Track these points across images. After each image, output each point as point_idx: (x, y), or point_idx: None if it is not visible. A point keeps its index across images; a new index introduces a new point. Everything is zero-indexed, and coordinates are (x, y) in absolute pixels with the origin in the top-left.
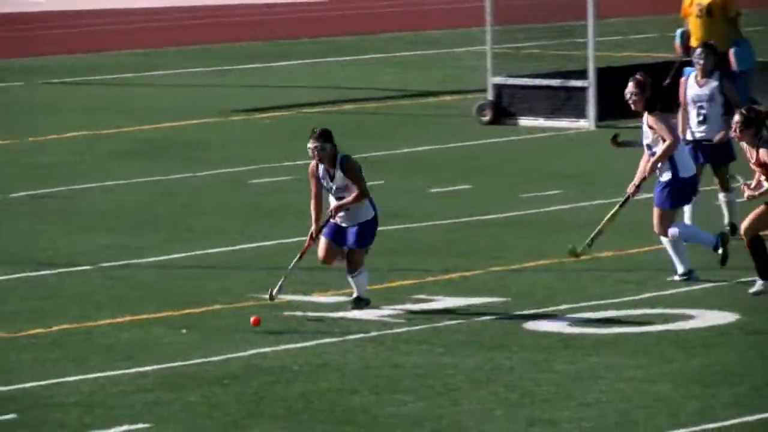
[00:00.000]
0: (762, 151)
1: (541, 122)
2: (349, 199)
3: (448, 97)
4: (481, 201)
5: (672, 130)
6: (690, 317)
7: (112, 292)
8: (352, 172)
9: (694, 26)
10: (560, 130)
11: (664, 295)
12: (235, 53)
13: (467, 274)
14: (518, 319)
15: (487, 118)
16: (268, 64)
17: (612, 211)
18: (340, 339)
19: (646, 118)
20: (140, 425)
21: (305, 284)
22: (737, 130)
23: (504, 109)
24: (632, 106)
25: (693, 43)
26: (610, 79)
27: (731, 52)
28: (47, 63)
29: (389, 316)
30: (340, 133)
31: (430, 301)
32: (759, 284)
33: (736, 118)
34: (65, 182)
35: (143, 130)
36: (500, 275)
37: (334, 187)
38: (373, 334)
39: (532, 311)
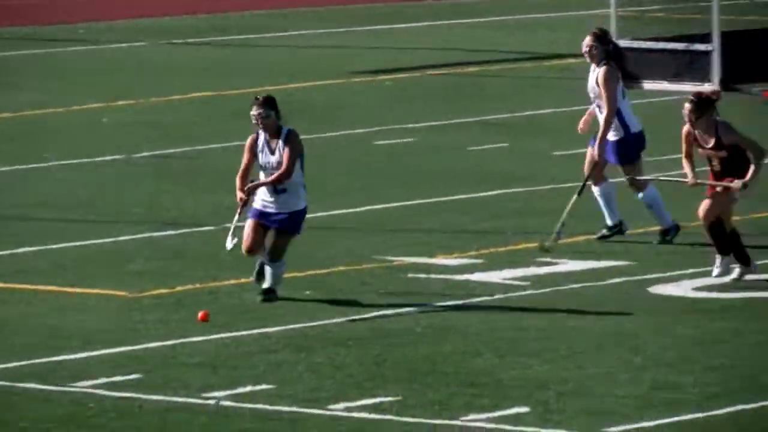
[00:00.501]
0: (722, 132)
1: (665, 86)
2: (274, 176)
3: (571, 60)
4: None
5: (613, 98)
6: None
7: (236, 252)
8: (292, 146)
9: None
10: (684, 94)
11: None
12: (357, 14)
13: (592, 237)
14: (643, 284)
15: None
16: (390, 26)
17: (571, 201)
18: (464, 302)
19: (597, 72)
20: (264, 386)
21: (429, 246)
22: (692, 120)
23: (628, 72)
24: (588, 58)
25: None
26: (734, 43)
27: None
28: (171, 24)
29: (513, 278)
30: (463, 95)
31: (555, 264)
32: (738, 270)
33: (688, 106)
34: (188, 143)
35: (268, 91)
36: (624, 238)
37: (271, 162)
38: (497, 296)
39: (657, 275)
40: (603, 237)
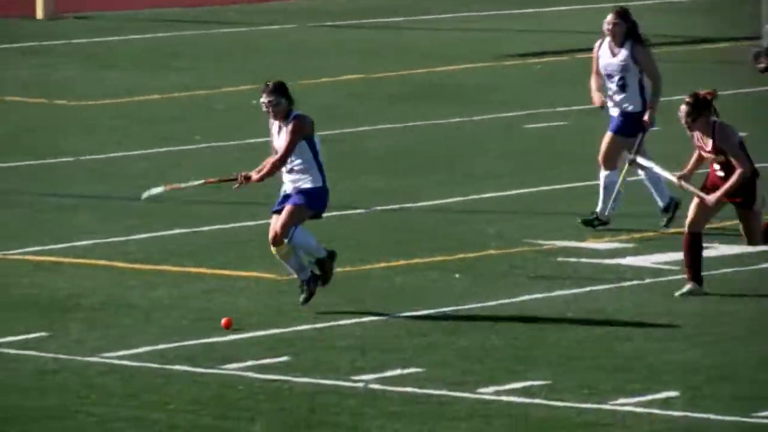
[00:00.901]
0: (718, 135)
1: None
2: (266, 167)
3: (723, 44)
4: (761, 149)
5: (656, 70)
6: None
7: (387, 235)
8: (291, 129)
9: None
10: None
11: None
12: None
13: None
14: None
15: (763, 66)
16: (539, 9)
17: (623, 172)
18: (615, 285)
19: (625, 49)
20: (413, 369)
21: (579, 230)
22: (688, 121)
23: None
24: (610, 36)
25: None
26: None
27: None
28: (321, 6)
29: (664, 263)
30: None
31: (706, 248)
32: (688, 286)
33: (683, 108)
34: (339, 125)
35: (416, 74)
36: None
37: (279, 146)
38: (647, 281)
39: None
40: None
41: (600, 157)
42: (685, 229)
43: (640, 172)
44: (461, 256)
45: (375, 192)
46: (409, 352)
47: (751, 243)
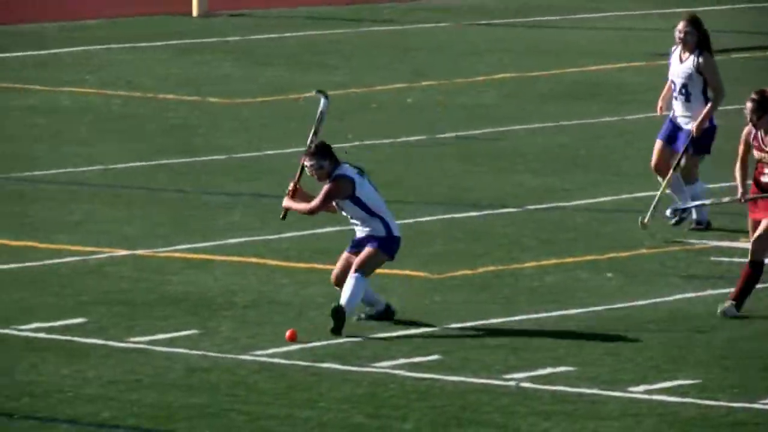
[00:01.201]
0: None
1: None
2: (300, 206)
3: None
4: None
5: (721, 83)
6: None
7: (539, 234)
8: (324, 192)
9: None
10: None
11: None
12: None
13: None
14: None
15: None
16: (681, 9)
17: (667, 177)
18: (765, 285)
19: (694, 58)
20: (564, 368)
21: (732, 230)
22: (753, 119)
23: None
24: (681, 44)
25: None
26: None
27: None
28: (474, 5)
29: None
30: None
31: None
32: (729, 304)
33: (749, 105)
34: (492, 124)
35: (570, 73)
36: None
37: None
38: None
39: None
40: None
41: (652, 165)
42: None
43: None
44: (613, 255)
45: (528, 190)
46: (560, 351)
47: None
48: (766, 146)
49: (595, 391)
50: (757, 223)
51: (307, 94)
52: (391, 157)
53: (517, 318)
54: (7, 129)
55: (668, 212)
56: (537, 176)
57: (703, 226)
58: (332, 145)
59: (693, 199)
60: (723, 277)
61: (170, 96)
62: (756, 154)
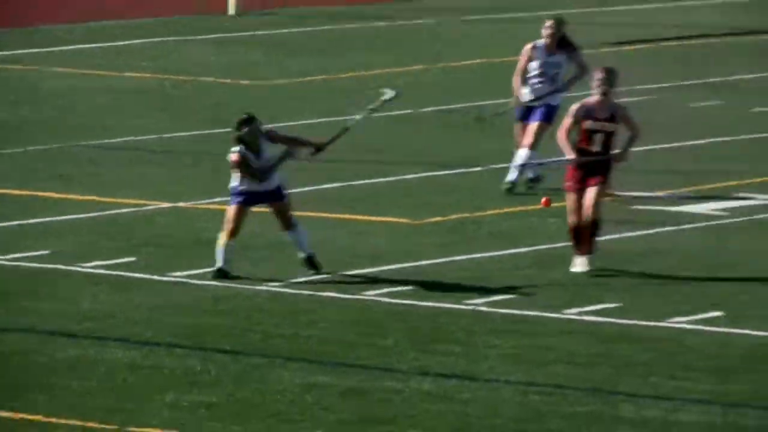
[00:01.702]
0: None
1: None
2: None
3: None
4: None
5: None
6: None
7: (499, 189)
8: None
9: None
10: None
11: None
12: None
13: None
14: None
15: None
16: (630, 7)
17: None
18: (674, 228)
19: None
20: (512, 296)
21: (650, 184)
22: (604, 89)
23: None
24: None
25: None
26: None
27: None
28: (461, 4)
29: (716, 210)
30: (688, 63)
31: (750, 198)
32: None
33: (599, 77)
34: (468, 100)
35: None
36: None
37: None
38: (702, 224)
39: None
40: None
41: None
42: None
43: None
44: (555, 205)
45: (492, 152)
46: (511, 282)
47: None
48: (600, 118)
49: (537, 313)
50: (580, 194)
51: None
52: (377, 129)
53: (478, 255)
54: (82, 105)
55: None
56: (504, 141)
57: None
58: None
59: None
60: (638, 221)
61: (210, 79)
62: (589, 124)
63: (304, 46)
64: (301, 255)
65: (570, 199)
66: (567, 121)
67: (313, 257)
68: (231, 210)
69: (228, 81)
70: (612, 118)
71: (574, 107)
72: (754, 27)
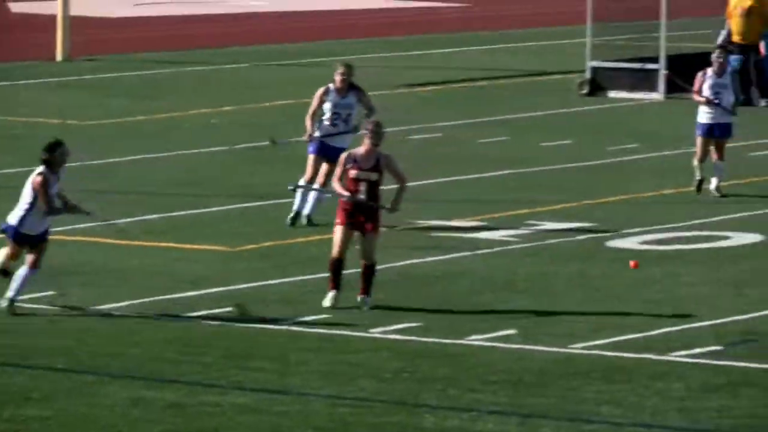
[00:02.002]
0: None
1: (624, 95)
2: None
3: (556, 76)
4: (579, 152)
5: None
6: (727, 238)
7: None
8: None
9: (737, 25)
10: (638, 101)
11: (709, 222)
12: (398, 43)
13: (567, 205)
14: (602, 239)
15: (585, 91)
16: (424, 52)
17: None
18: (472, 253)
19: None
20: (323, 315)
21: (447, 212)
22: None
23: (598, 84)
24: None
25: (736, 39)
26: (675, 63)
27: (763, 43)
28: (262, 50)
29: (509, 236)
30: (477, 102)
31: (539, 225)
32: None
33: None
34: (278, 136)
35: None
36: (590, 207)
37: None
38: (496, 249)
39: (612, 233)
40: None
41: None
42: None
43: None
44: (356, 233)
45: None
46: (319, 304)
47: None
48: (364, 168)
49: (345, 332)
50: (348, 231)
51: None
52: (197, 164)
53: (289, 279)
54: None
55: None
56: None
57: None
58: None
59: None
60: (439, 247)
61: (41, 119)
62: (354, 173)
63: (127, 89)
64: (9, 294)
65: (337, 231)
66: (338, 169)
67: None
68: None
69: (56, 121)
70: (376, 168)
71: (344, 156)
72: (540, 69)
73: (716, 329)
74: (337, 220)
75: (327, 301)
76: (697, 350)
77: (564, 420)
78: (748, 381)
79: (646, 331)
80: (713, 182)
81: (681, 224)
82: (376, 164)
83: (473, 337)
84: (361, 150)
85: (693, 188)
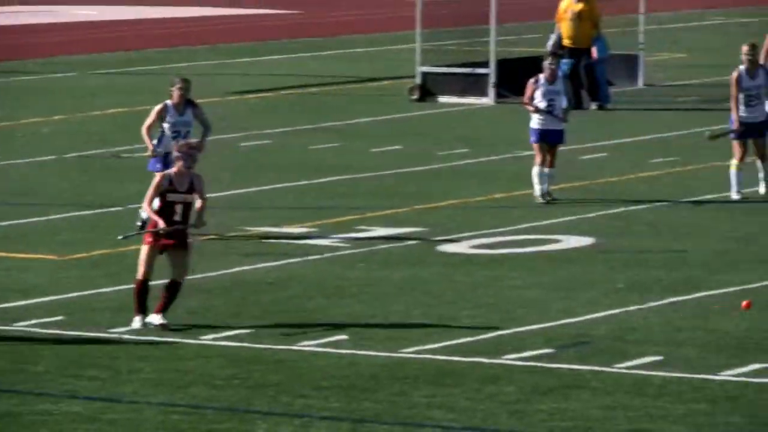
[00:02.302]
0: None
1: (454, 99)
2: None
3: (386, 82)
4: (409, 157)
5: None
6: (558, 241)
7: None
8: None
9: (567, 29)
10: (468, 105)
11: (540, 225)
12: (230, 50)
13: (398, 210)
14: (432, 244)
15: (415, 97)
16: (255, 59)
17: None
18: (302, 259)
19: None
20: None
21: (277, 219)
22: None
23: (428, 90)
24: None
25: (567, 43)
26: (505, 68)
27: (594, 47)
28: (96, 58)
29: (339, 241)
30: (308, 109)
31: (370, 230)
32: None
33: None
34: (106, 146)
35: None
36: (421, 212)
37: None
38: (327, 255)
39: (442, 238)
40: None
41: None
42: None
43: None
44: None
45: (136, 194)
46: (150, 310)
47: None
48: (179, 190)
49: (176, 339)
50: (153, 251)
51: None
52: (28, 174)
53: (119, 288)
54: None
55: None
56: (142, 184)
57: None
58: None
59: None
60: (270, 253)
61: None
62: (170, 196)
63: None
64: None
65: (144, 251)
66: (150, 192)
67: None
68: None
69: None
70: (191, 190)
71: (158, 178)
72: (371, 75)
73: (547, 332)
74: (148, 240)
75: (136, 324)
76: (528, 353)
77: (396, 424)
78: (579, 383)
79: (476, 335)
80: (538, 189)
81: (511, 228)
82: (191, 186)
83: (305, 343)
84: (173, 171)
85: (536, 194)
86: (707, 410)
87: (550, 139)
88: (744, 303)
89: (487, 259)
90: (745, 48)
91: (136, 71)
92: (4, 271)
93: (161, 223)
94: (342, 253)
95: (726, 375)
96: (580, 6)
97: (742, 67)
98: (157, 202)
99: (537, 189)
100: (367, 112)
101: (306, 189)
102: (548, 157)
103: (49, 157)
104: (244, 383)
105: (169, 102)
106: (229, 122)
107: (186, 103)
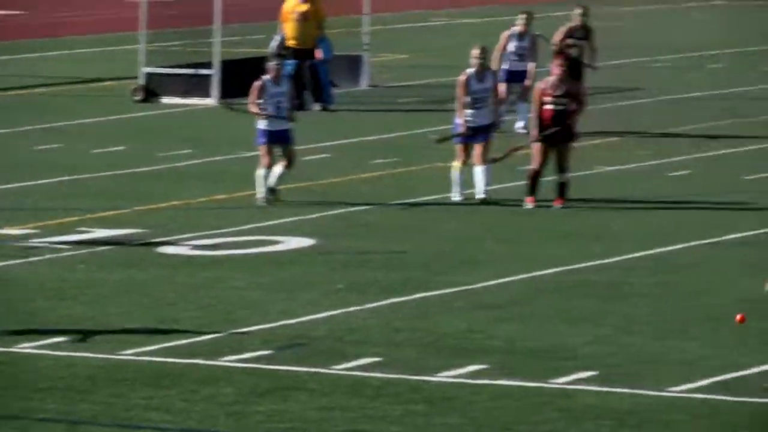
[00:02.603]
0: None
1: (178, 100)
2: None
3: (110, 83)
4: (131, 159)
5: None
6: (279, 242)
7: None
8: None
9: (292, 29)
10: (192, 106)
11: (262, 226)
12: None
13: (119, 212)
14: (152, 245)
15: (138, 98)
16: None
17: None
18: (23, 261)
19: None
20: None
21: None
22: None
23: (151, 90)
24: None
25: (291, 43)
26: (230, 69)
27: (318, 48)
28: None
29: (60, 243)
30: (33, 110)
31: (90, 232)
32: None
33: None
34: None
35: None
36: (142, 213)
37: None
38: (47, 256)
39: (163, 239)
40: None
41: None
42: None
43: None
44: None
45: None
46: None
47: None
48: None
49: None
50: None
51: None
52: None
53: None
54: None
55: None
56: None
57: None
58: None
59: None
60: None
61: None
62: None
63: None
64: None
65: None
66: None
67: None
68: None
69: None
70: None
71: None
72: (95, 76)
73: (266, 334)
74: None
75: None
76: (247, 355)
77: (113, 426)
78: (297, 385)
79: (195, 336)
80: (262, 192)
81: (233, 229)
82: None
83: (22, 345)
84: None
85: (260, 196)
86: (425, 411)
87: (277, 140)
88: (738, 317)
89: (208, 260)
90: (475, 51)
91: None
92: None
93: None
94: (63, 255)
95: (444, 376)
96: (305, 7)
97: (470, 70)
98: None
99: (260, 191)
100: (91, 112)
101: (29, 190)
102: (277, 158)
103: None
104: None
105: None
106: None
107: None
